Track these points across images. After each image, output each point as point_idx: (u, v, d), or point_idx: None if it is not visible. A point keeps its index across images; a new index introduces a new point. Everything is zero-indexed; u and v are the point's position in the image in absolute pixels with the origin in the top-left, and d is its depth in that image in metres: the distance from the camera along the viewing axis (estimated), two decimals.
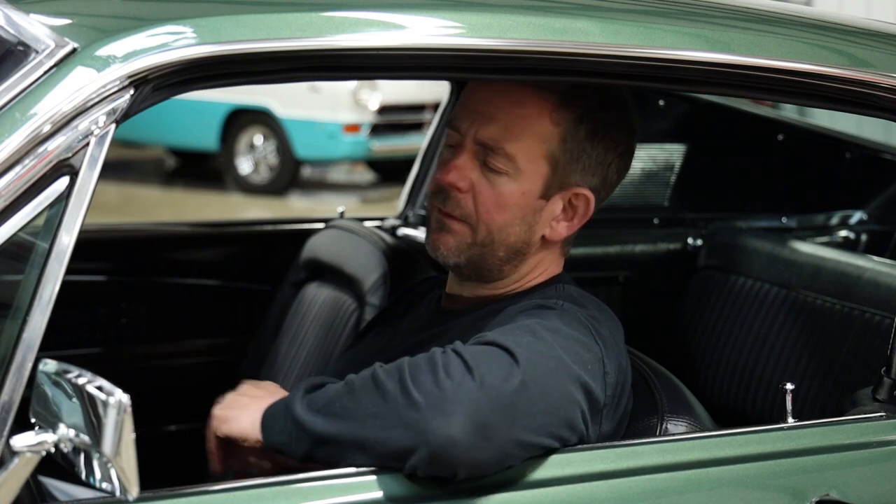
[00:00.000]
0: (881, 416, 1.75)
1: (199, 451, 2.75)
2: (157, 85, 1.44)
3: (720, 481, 1.64)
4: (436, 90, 9.74)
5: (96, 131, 1.39)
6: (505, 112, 1.75)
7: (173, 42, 1.43)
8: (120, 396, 1.25)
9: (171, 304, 3.05)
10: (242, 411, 1.66)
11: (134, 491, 1.27)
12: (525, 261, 1.80)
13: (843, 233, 3.35)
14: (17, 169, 1.36)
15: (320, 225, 3.00)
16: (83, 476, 1.30)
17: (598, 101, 1.78)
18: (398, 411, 1.49)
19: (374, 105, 10.58)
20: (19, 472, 1.30)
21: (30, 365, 1.34)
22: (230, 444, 1.69)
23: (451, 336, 1.75)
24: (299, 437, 1.57)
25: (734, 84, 1.75)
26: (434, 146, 3.08)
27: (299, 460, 1.58)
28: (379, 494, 1.48)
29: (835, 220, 3.37)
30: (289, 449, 1.59)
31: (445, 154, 1.82)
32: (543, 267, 1.82)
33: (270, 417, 1.62)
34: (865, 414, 1.76)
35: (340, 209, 3.09)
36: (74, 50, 1.41)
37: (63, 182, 1.38)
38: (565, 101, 1.76)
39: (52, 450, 1.31)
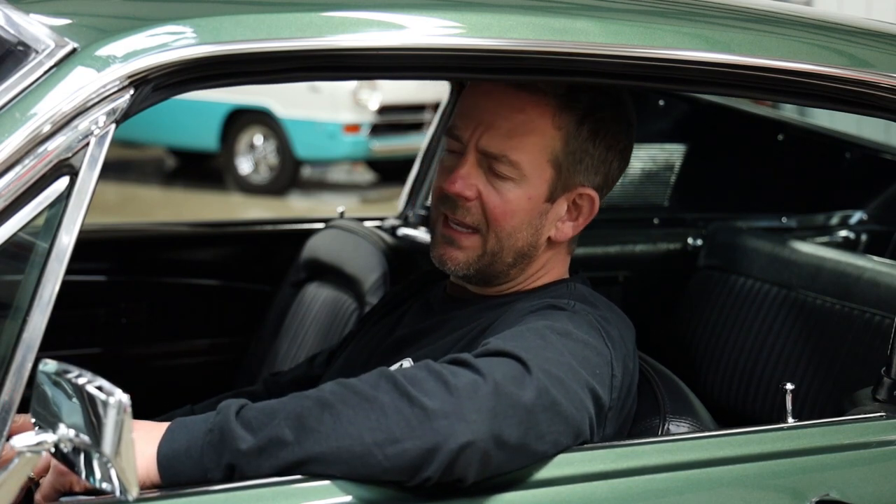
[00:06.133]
0: (881, 416, 1.75)
1: None
2: (157, 85, 1.43)
3: (720, 481, 1.64)
4: (436, 90, 9.73)
5: (96, 131, 1.39)
6: (506, 119, 1.74)
7: (173, 42, 1.43)
8: (120, 396, 1.24)
9: (171, 304, 3.05)
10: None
11: (134, 491, 1.27)
12: (531, 263, 1.80)
13: (843, 233, 3.35)
14: (17, 169, 1.35)
15: (320, 225, 3.00)
16: (83, 476, 1.30)
17: (597, 100, 1.78)
18: (408, 422, 1.43)
19: (374, 105, 10.57)
20: (19, 472, 1.30)
21: (30, 365, 1.34)
22: None
23: (455, 323, 1.77)
24: (259, 459, 1.44)
25: (734, 84, 1.75)
26: (434, 146, 3.08)
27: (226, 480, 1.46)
28: (380, 494, 1.48)
29: (835, 220, 3.37)
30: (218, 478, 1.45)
31: (447, 161, 1.81)
32: (550, 266, 1.83)
33: (178, 458, 1.45)
34: (865, 414, 1.76)
35: (340, 209, 3.09)
36: (74, 50, 1.41)
37: (63, 182, 1.38)
38: (566, 104, 1.75)
39: (52, 450, 1.31)
